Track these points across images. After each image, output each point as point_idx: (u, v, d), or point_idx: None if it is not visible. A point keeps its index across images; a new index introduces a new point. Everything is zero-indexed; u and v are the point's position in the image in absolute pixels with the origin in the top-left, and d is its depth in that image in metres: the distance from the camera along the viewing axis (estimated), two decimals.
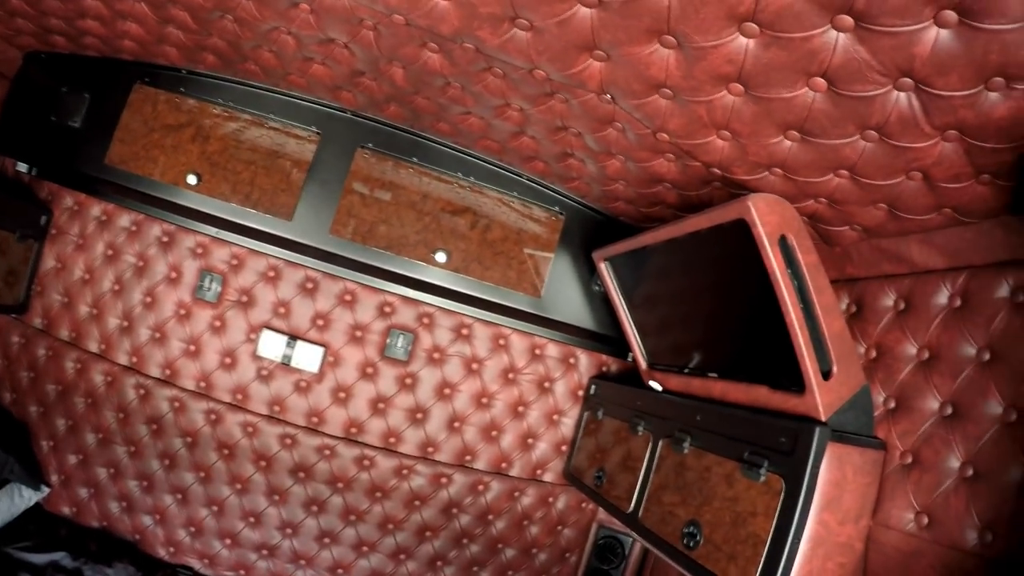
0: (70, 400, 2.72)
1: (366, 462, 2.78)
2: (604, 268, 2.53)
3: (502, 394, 2.85)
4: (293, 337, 2.71)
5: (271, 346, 2.69)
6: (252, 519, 2.78)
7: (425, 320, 2.80)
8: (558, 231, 2.85)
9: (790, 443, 1.52)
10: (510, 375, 2.85)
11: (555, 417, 2.89)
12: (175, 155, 2.70)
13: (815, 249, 1.60)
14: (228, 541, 2.79)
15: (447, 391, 2.83)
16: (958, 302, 1.59)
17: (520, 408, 2.87)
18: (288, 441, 2.75)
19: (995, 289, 1.50)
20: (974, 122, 1.23)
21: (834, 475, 1.51)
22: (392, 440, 2.80)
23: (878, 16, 1.11)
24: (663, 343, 2.38)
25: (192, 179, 2.69)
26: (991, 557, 1.33)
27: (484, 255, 2.81)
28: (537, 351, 2.87)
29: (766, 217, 1.54)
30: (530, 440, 2.88)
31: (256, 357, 2.72)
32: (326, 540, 2.82)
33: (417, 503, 2.83)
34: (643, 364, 2.50)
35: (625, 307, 2.53)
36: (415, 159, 2.76)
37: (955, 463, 1.47)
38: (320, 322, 2.75)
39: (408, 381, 2.80)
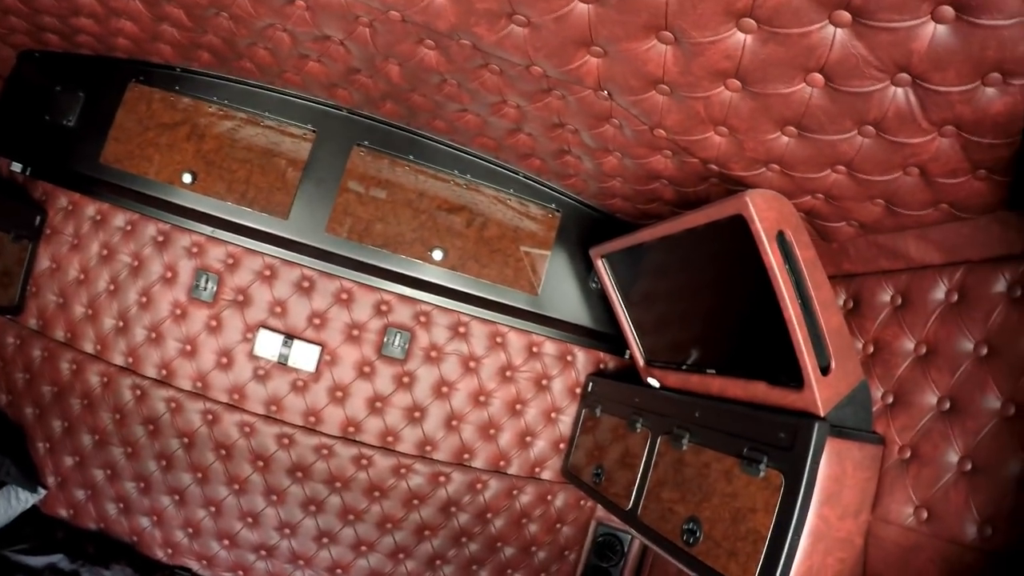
0: (66, 401, 2.71)
1: (364, 461, 2.77)
2: (601, 265, 2.53)
3: (500, 392, 2.85)
4: (290, 336, 2.70)
5: (267, 345, 2.68)
6: (250, 519, 2.77)
7: (422, 318, 2.79)
8: (555, 228, 2.84)
9: (789, 438, 1.53)
10: (508, 373, 2.85)
11: (553, 415, 2.89)
12: (170, 154, 2.68)
13: (813, 245, 1.61)
14: (226, 542, 2.78)
15: (445, 389, 2.82)
16: (955, 297, 1.60)
17: (518, 406, 2.86)
18: (285, 441, 2.74)
19: (992, 284, 1.51)
20: (971, 117, 1.24)
21: (833, 470, 1.52)
22: (390, 439, 2.80)
23: (876, 12, 1.11)
24: (661, 340, 2.38)
25: (187, 178, 2.67)
26: (991, 551, 1.34)
27: (481, 253, 2.80)
28: (534, 349, 2.87)
29: (764, 213, 1.54)
30: (528, 438, 2.88)
31: (252, 357, 2.71)
32: (324, 540, 2.82)
33: (415, 502, 2.83)
34: (641, 361, 2.50)
35: (622, 304, 2.53)
36: (411, 157, 2.75)
37: (954, 457, 1.48)
38: (317, 321, 2.74)
39: (405, 380, 2.79)
